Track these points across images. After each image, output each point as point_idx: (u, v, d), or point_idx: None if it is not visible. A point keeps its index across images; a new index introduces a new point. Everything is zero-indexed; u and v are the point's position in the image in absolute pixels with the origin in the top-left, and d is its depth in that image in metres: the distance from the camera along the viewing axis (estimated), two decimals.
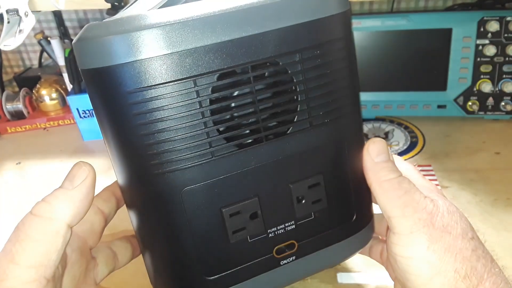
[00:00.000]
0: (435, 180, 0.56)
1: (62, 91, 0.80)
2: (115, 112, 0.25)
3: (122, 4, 0.67)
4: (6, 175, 0.66)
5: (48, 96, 0.79)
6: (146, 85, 0.24)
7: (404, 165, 0.33)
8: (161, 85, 0.24)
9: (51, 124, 0.79)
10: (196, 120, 0.26)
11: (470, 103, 0.67)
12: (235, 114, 0.27)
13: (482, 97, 0.67)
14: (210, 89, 0.25)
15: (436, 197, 0.29)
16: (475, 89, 0.67)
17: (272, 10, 0.25)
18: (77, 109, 0.71)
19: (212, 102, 0.26)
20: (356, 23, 0.68)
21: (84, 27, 0.25)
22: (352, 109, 0.30)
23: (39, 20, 0.89)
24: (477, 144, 0.63)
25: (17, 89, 0.86)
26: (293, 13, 0.26)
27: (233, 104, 0.27)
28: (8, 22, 0.61)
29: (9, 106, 0.79)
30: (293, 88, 0.28)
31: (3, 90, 0.82)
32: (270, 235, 0.30)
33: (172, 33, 0.24)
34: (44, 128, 0.79)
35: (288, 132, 0.28)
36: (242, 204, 0.28)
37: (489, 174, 0.57)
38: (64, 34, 0.88)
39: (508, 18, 0.63)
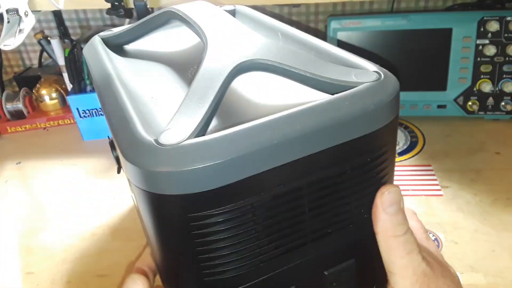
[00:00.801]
0: (435, 180, 0.56)
1: (62, 91, 0.80)
2: (175, 233, 0.26)
3: (122, 3, 0.67)
4: (6, 174, 0.66)
5: (48, 95, 0.79)
6: (208, 211, 0.25)
7: (409, 213, 0.34)
8: (221, 210, 0.25)
9: (51, 124, 0.79)
10: (249, 236, 0.27)
11: (470, 103, 0.67)
12: (286, 225, 0.28)
13: (482, 97, 0.67)
14: (265, 208, 0.26)
15: (433, 258, 0.31)
16: (475, 89, 0.66)
17: (328, 133, 0.26)
18: (77, 109, 0.71)
19: (265, 218, 0.27)
20: (356, 23, 0.68)
21: (158, 150, 0.24)
22: None
23: (39, 20, 0.89)
24: (477, 144, 0.63)
25: (17, 89, 0.86)
26: (348, 132, 0.27)
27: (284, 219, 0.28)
28: (8, 22, 0.61)
29: (9, 106, 0.79)
30: (343, 196, 0.29)
31: (3, 90, 0.82)
32: None
33: (237, 164, 0.24)
34: (44, 128, 0.79)
35: (330, 231, 0.29)
36: None
37: (489, 174, 0.57)
38: (64, 34, 0.88)
39: (508, 18, 0.63)
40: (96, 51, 0.40)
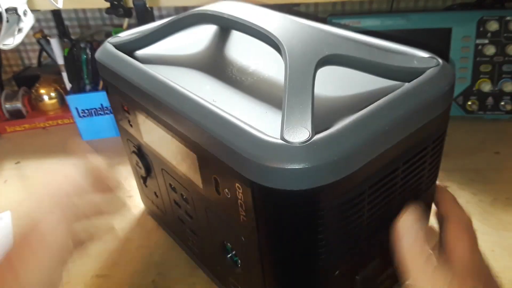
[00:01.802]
0: None
1: (61, 90, 0.80)
2: (300, 225, 0.28)
3: (122, 3, 0.67)
4: (5, 174, 0.66)
5: (47, 95, 0.79)
6: (334, 199, 0.27)
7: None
8: (345, 197, 0.27)
9: (50, 124, 0.79)
10: (362, 218, 0.30)
11: (469, 103, 0.67)
12: (385, 203, 0.31)
13: (482, 96, 0.67)
14: (374, 190, 0.29)
15: (460, 277, 0.30)
16: (474, 88, 0.67)
17: (421, 112, 0.30)
18: (76, 108, 0.70)
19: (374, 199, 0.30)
20: (355, 22, 0.68)
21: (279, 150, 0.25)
22: None
23: (38, 19, 0.89)
24: (477, 144, 0.63)
25: (16, 88, 0.86)
26: (432, 111, 0.31)
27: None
28: (7, 21, 0.61)
29: (8, 106, 0.79)
30: (423, 169, 0.34)
31: (2, 89, 0.82)
32: None
33: (360, 153, 0.26)
34: (43, 128, 0.79)
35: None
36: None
37: (489, 174, 0.57)
38: (63, 33, 0.88)
39: (508, 18, 0.63)
40: (119, 58, 0.40)
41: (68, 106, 0.72)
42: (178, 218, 0.43)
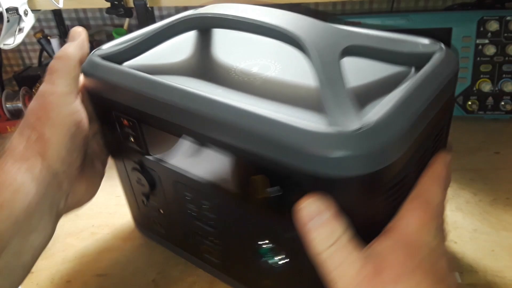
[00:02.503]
0: None
1: None
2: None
3: (122, 3, 0.67)
4: None
5: None
6: (397, 182, 0.28)
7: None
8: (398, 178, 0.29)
9: None
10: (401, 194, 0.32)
11: (469, 103, 0.67)
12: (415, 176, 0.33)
13: (482, 96, 0.67)
14: (413, 165, 0.31)
15: (391, 255, 0.26)
16: (474, 88, 0.67)
17: (441, 93, 0.32)
18: None
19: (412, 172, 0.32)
20: (355, 22, 0.68)
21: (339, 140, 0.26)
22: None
23: (38, 19, 0.89)
24: (477, 144, 0.63)
25: (16, 88, 0.86)
26: (447, 92, 0.33)
27: None
28: (8, 21, 0.61)
29: (8, 105, 0.79)
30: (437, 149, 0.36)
31: (3, 89, 0.82)
32: None
33: (412, 133, 0.29)
34: None
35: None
36: None
37: (489, 174, 0.57)
38: (64, 33, 0.88)
39: (508, 18, 0.63)
40: (118, 70, 0.37)
41: None
42: (192, 232, 0.41)
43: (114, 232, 0.52)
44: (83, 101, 0.39)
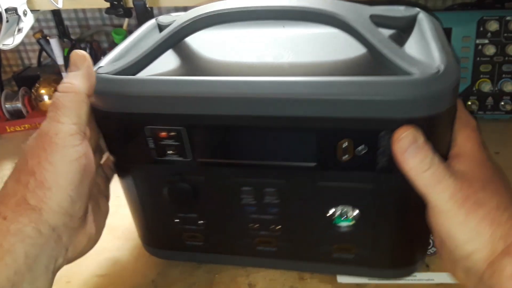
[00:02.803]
0: None
1: None
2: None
3: (121, 3, 0.67)
4: (5, 174, 0.66)
5: (47, 95, 0.79)
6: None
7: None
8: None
9: None
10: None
11: (469, 103, 0.67)
12: None
13: (482, 96, 0.67)
14: None
15: (472, 171, 0.32)
16: (474, 88, 0.67)
17: None
18: None
19: None
20: None
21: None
22: None
23: (38, 19, 0.89)
24: None
25: (16, 88, 0.86)
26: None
27: None
28: (7, 21, 0.61)
29: (8, 106, 0.79)
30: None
31: (2, 90, 0.82)
32: None
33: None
34: None
35: None
36: None
37: None
38: (63, 34, 0.88)
39: (508, 18, 0.63)
40: (147, 82, 0.35)
41: None
42: (244, 229, 0.41)
43: (114, 232, 0.52)
44: (91, 130, 0.35)
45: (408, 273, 0.42)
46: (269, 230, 0.40)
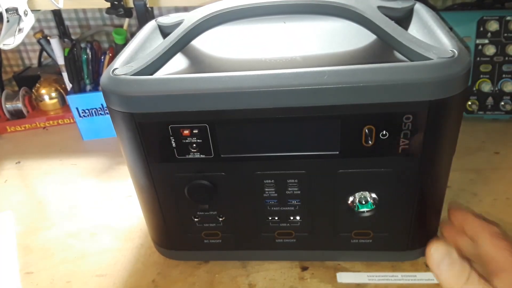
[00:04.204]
0: None
1: (61, 90, 0.80)
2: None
3: (122, 3, 0.68)
4: (5, 174, 0.66)
5: (47, 95, 0.79)
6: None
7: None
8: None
9: (51, 124, 0.79)
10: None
11: (469, 103, 0.67)
12: None
13: (482, 96, 0.67)
14: None
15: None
16: (474, 88, 0.67)
17: None
18: (77, 108, 0.71)
19: None
20: None
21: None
22: None
23: (38, 19, 0.89)
24: (477, 144, 0.63)
25: (16, 88, 0.86)
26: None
27: None
28: (8, 21, 0.61)
29: (8, 106, 0.79)
30: None
31: (2, 90, 0.82)
32: None
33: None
34: (44, 128, 0.79)
35: None
36: None
37: (489, 174, 0.57)
38: (63, 33, 0.88)
39: (508, 18, 0.63)
40: (171, 81, 0.35)
41: (68, 106, 0.72)
42: (265, 222, 0.41)
43: (114, 232, 0.52)
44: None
45: (423, 254, 0.41)
46: (289, 221, 0.41)
